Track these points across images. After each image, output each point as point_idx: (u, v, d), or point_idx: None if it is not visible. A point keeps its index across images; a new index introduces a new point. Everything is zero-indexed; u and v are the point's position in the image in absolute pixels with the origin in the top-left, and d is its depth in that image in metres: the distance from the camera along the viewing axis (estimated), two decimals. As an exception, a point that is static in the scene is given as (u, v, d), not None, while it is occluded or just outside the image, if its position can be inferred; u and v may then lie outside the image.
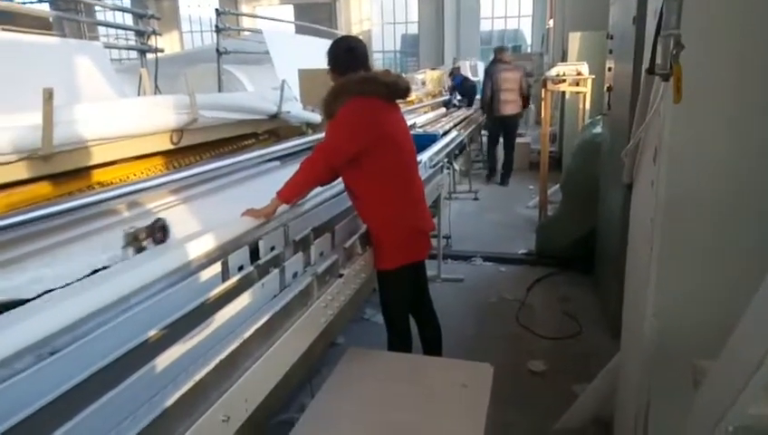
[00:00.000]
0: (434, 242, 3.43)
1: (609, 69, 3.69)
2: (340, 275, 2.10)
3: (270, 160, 3.42)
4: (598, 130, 4.41)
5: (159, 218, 1.92)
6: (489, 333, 3.47)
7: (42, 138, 1.80)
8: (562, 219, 4.65)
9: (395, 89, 2.40)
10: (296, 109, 3.79)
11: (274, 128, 3.84)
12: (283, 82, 3.61)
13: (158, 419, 1.07)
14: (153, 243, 1.87)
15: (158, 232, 1.87)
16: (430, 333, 2.72)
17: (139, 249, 1.84)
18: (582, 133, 4.93)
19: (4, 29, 4.94)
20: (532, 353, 3.20)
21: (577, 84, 5.22)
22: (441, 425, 1.77)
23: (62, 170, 2.08)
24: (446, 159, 4.60)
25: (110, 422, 1.05)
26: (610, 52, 3.70)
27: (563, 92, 6.97)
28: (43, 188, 2.07)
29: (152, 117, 2.42)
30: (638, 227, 2.05)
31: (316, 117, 4.02)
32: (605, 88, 3.83)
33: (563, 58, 7.51)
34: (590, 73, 5.25)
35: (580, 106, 5.63)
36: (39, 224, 1.93)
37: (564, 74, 5.17)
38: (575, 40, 6.81)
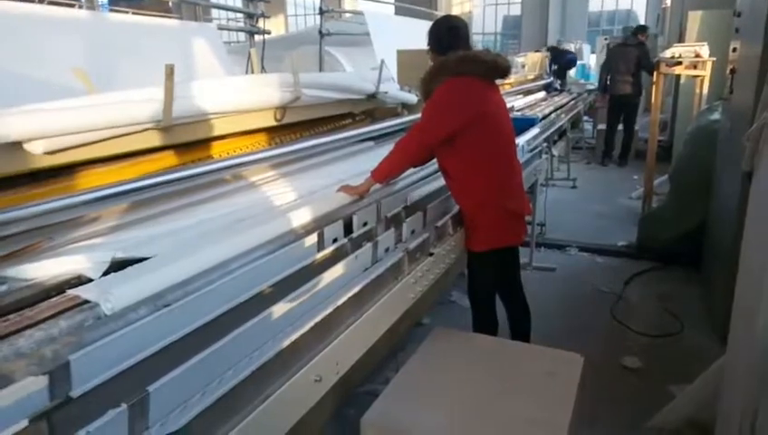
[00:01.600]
0: (528, 229, 3.36)
1: (734, 49, 3.38)
2: (431, 254, 2.12)
3: (365, 140, 3.49)
4: (715, 116, 4.06)
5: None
6: (580, 325, 3.35)
7: (163, 110, 1.96)
8: (669, 211, 4.35)
9: (494, 67, 2.35)
10: (393, 89, 3.82)
11: (370, 108, 3.90)
12: (382, 62, 3.65)
13: (256, 371, 1.15)
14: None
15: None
16: (519, 319, 2.68)
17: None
18: (697, 120, 4.57)
19: (134, 13, 5.40)
20: (627, 349, 3.05)
21: (694, 67, 4.82)
22: (525, 410, 1.75)
23: (179, 142, 2.26)
24: (544, 144, 4.45)
25: (214, 372, 1.15)
26: (737, 31, 3.38)
27: (677, 77, 6.48)
28: (164, 158, 2.26)
29: (259, 94, 2.54)
30: (757, 220, 1.88)
31: (412, 97, 4.03)
32: (727, 71, 3.51)
33: (680, 39, 6.96)
34: (709, 55, 4.83)
35: (697, 91, 5.20)
36: (155, 190, 2.12)
37: (681, 56, 4.79)
38: (695, 19, 6.28)
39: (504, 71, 2.40)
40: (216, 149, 2.59)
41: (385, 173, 2.33)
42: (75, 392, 0.99)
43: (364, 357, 1.62)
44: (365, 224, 2.17)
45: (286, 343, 1.25)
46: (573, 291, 3.85)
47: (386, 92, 3.66)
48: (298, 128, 3.15)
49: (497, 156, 2.38)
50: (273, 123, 2.80)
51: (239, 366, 1.14)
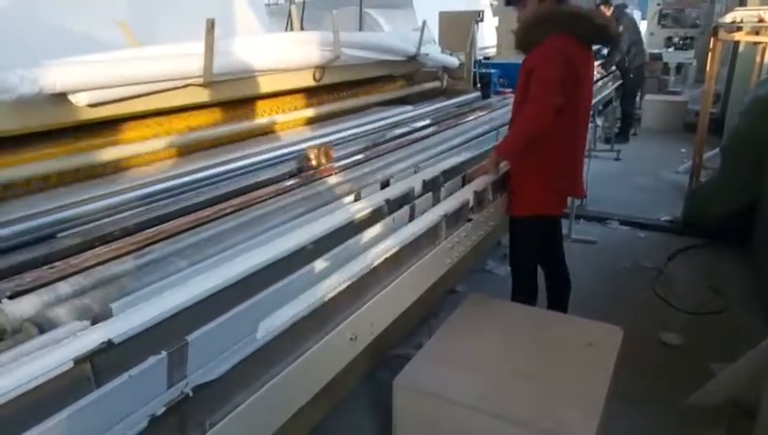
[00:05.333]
0: (567, 200, 3.26)
1: (803, 13, 3.14)
2: (469, 220, 2.08)
3: (403, 103, 3.43)
4: (777, 86, 3.83)
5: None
6: (620, 299, 3.27)
7: (203, 66, 1.95)
8: (719, 186, 4.16)
9: (602, 32, 2.22)
10: (434, 51, 3.72)
11: (410, 72, 3.81)
12: (424, 22, 3.54)
13: (292, 327, 1.15)
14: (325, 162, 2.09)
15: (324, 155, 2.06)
16: (558, 289, 2.63)
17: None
18: (756, 90, 4.31)
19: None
20: (667, 325, 2.97)
21: (757, 33, 4.52)
22: (561, 379, 1.72)
23: (219, 99, 2.25)
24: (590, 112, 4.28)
25: (251, 326, 1.14)
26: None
27: (735, 45, 6.13)
28: (204, 116, 2.27)
29: (299, 52, 2.50)
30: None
31: (454, 61, 3.92)
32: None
33: (741, 2, 6.55)
34: (774, 20, 4.52)
35: (757, 59, 4.90)
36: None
37: (742, 21, 4.50)
38: (759, -19, 5.87)
39: (612, 38, 2.27)
40: (255, 108, 2.58)
41: (509, 149, 2.23)
42: (117, 338, 1.01)
43: (398, 320, 1.62)
44: (402, 187, 2.14)
45: (323, 300, 1.24)
46: (613, 264, 3.75)
47: (427, 54, 3.56)
48: (336, 89, 3.11)
49: (570, 133, 2.28)
50: (312, 83, 2.76)
51: (276, 321, 1.13)
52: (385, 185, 2.09)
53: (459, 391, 1.65)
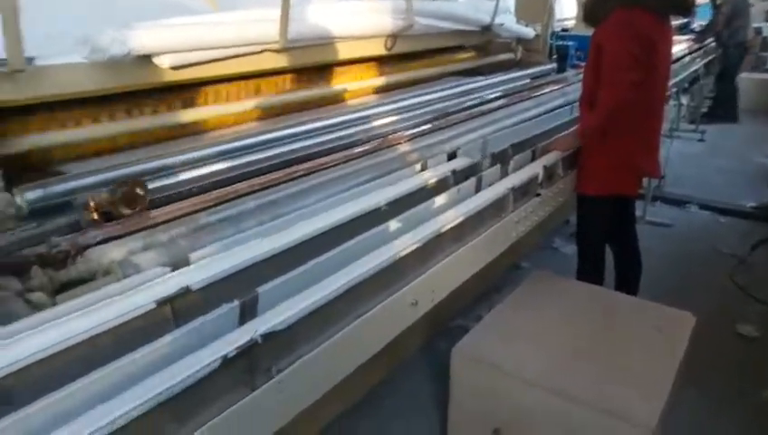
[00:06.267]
0: (644, 181, 3.12)
1: None
2: (538, 195, 2.03)
3: (475, 75, 3.37)
4: None
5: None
6: (693, 285, 3.11)
7: (279, 32, 1.99)
8: (816, 172, 3.84)
9: (677, 3, 2.11)
10: (509, 22, 3.61)
11: (483, 42, 3.72)
12: (500, -8, 3.44)
13: (356, 286, 1.18)
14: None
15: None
16: (628, 271, 2.54)
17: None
18: None
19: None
20: (744, 316, 2.81)
21: None
22: (625, 361, 1.67)
23: (292, 66, 2.29)
24: (673, 90, 4.04)
25: (318, 283, 1.18)
26: None
27: None
28: (277, 82, 2.32)
29: (372, 19, 2.50)
30: None
31: (529, 32, 3.79)
32: None
33: None
34: None
35: None
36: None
37: None
38: None
39: (688, 8, 2.15)
40: (326, 76, 2.61)
41: (590, 129, 2.17)
42: (194, 285, 1.07)
43: (459, 291, 1.62)
44: (469, 158, 2.12)
45: (386, 263, 1.27)
46: (689, 249, 3.57)
47: (501, 25, 3.47)
48: (407, 59, 3.09)
49: (646, 110, 2.18)
50: (383, 52, 2.76)
51: (342, 280, 1.16)
52: (452, 156, 2.08)
53: (518, 364, 1.64)
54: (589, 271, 2.42)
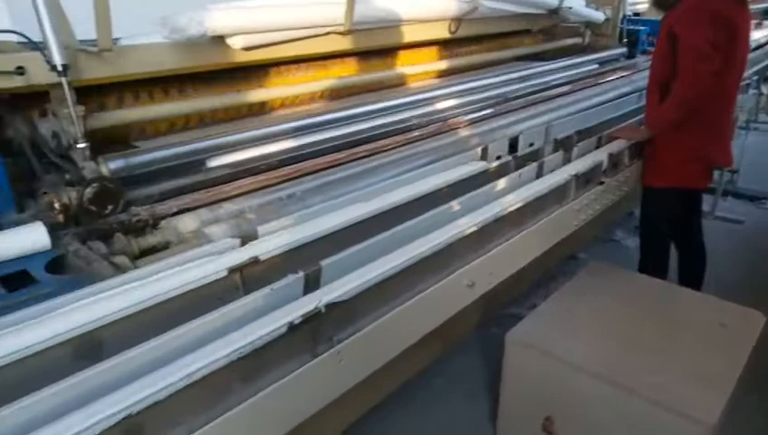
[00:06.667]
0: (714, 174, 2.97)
1: None
2: (601, 183, 1.99)
3: (540, 60, 3.29)
4: None
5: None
6: (763, 285, 2.96)
7: (344, 14, 2.02)
8: None
9: None
10: (578, 4, 3.49)
11: (549, 26, 3.63)
12: (569, -26, 3.33)
13: (415, 265, 1.21)
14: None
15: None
16: (692, 266, 2.44)
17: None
18: None
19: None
20: (820, 321, 2.65)
21: None
22: (686, 356, 1.63)
23: (357, 49, 2.33)
24: (754, 78, 3.81)
25: (378, 259, 1.22)
26: None
27: None
28: (341, 64, 2.36)
29: (437, 3, 2.49)
30: None
31: (599, 15, 3.67)
32: None
33: None
34: None
35: None
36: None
37: None
38: None
39: None
40: (390, 59, 2.63)
41: (664, 121, 2.10)
42: (262, 256, 1.13)
43: (516, 279, 1.62)
44: (531, 145, 2.10)
45: (444, 243, 1.28)
46: (762, 248, 3.39)
47: (570, 8, 3.36)
48: (471, 43, 3.06)
49: (719, 97, 2.08)
50: (447, 36, 2.74)
51: (401, 257, 1.19)
52: (514, 141, 2.06)
53: (573, 352, 1.63)
54: (651, 265, 2.35)
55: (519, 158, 1.91)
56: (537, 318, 1.81)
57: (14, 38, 1.45)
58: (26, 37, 1.38)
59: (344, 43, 2.24)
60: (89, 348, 0.88)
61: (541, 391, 1.68)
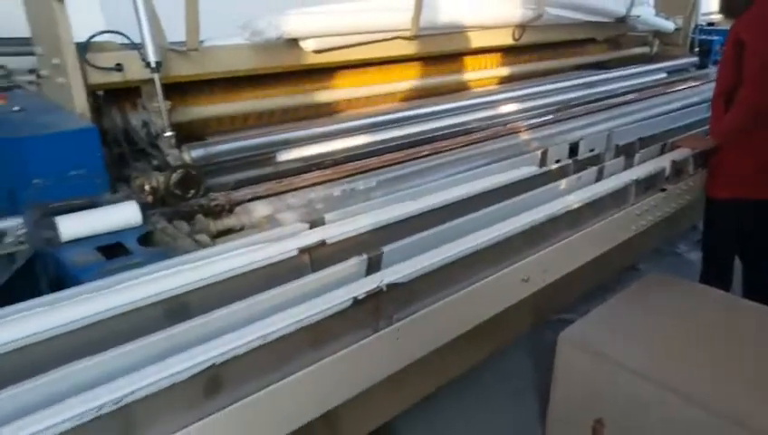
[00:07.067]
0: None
1: None
2: (663, 190, 1.97)
3: (605, 68, 3.27)
4: None
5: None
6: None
7: (411, 19, 2.10)
8: None
9: None
10: (647, 14, 3.44)
11: (616, 35, 3.59)
12: (638, -18, 3.30)
13: (470, 256, 1.26)
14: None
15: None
16: (759, 282, 2.35)
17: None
18: None
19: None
20: None
21: None
22: (749, 366, 1.59)
23: (422, 54, 2.40)
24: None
25: (437, 248, 1.28)
26: None
27: None
28: (406, 68, 2.45)
29: (502, 9, 2.53)
30: None
31: (669, 25, 3.59)
32: None
33: None
34: None
35: None
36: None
37: None
38: None
39: None
40: (452, 64, 2.69)
41: (729, 132, 2.06)
42: (329, 240, 1.22)
43: (571, 282, 1.63)
44: (592, 150, 2.11)
45: (501, 237, 1.33)
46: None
47: (638, 17, 3.32)
48: (534, 50, 3.08)
49: None
50: (511, 42, 2.78)
51: (459, 247, 1.25)
52: (574, 146, 2.08)
53: (628, 355, 1.62)
54: (713, 279, 2.28)
55: (579, 162, 1.93)
56: (593, 320, 1.81)
57: (114, 38, 1.62)
58: (128, 38, 1.53)
59: (409, 48, 2.32)
60: (176, 309, 0.99)
61: (592, 393, 1.68)
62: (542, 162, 1.93)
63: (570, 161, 1.89)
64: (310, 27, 1.87)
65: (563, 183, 1.70)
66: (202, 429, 0.80)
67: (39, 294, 0.98)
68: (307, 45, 1.92)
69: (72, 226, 1.21)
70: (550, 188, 1.65)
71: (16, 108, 1.51)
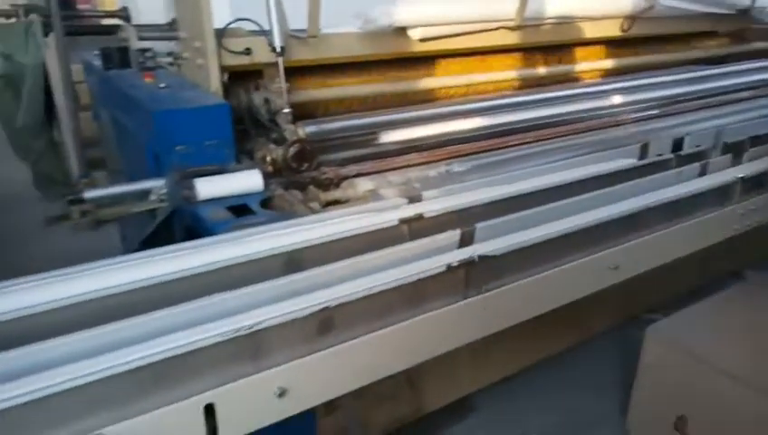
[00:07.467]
0: None
1: None
2: (773, 191, 1.88)
3: (723, 63, 3.10)
4: None
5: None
6: None
7: (517, 9, 2.14)
8: None
9: None
10: (775, 5, 3.21)
11: (739, 29, 3.38)
12: (768, -30, 3.08)
13: (560, 238, 1.32)
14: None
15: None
16: None
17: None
18: None
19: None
20: None
21: None
22: None
23: (524, 44, 2.43)
24: None
25: (532, 223, 1.34)
26: None
27: None
28: (508, 59, 2.49)
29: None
30: None
31: (800, 17, 3.32)
32: None
33: None
34: None
35: None
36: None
37: None
38: None
39: None
40: (555, 56, 2.69)
41: None
42: (426, 214, 1.33)
43: (668, 281, 1.62)
44: (697, 147, 2.05)
45: (593, 223, 1.37)
46: None
47: (764, 8, 3.11)
48: (644, 43, 2.99)
49: None
50: (618, 34, 2.73)
51: (552, 229, 1.31)
52: (678, 142, 2.03)
53: (719, 354, 1.60)
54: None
55: (682, 157, 1.89)
56: (684, 317, 1.80)
57: (243, 25, 1.81)
58: (258, 25, 1.72)
59: (512, 38, 2.37)
60: (292, 262, 1.14)
61: (677, 389, 1.68)
62: (642, 155, 1.91)
63: (672, 156, 1.86)
64: (419, 16, 1.97)
65: (662, 176, 1.69)
66: (313, 360, 0.95)
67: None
68: (414, 34, 2.03)
69: (207, 187, 1.41)
70: (647, 180, 1.64)
71: (162, 85, 1.74)
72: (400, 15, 1.90)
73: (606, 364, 2.36)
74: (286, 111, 1.72)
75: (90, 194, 1.50)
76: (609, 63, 2.82)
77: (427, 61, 2.31)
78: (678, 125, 2.23)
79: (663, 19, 2.81)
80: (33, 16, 3.38)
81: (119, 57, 1.96)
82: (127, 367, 0.82)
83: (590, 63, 2.75)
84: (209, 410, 0.88)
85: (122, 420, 0.83)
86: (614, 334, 2.45)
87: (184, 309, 0.91)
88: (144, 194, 1.57)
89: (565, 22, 2.45)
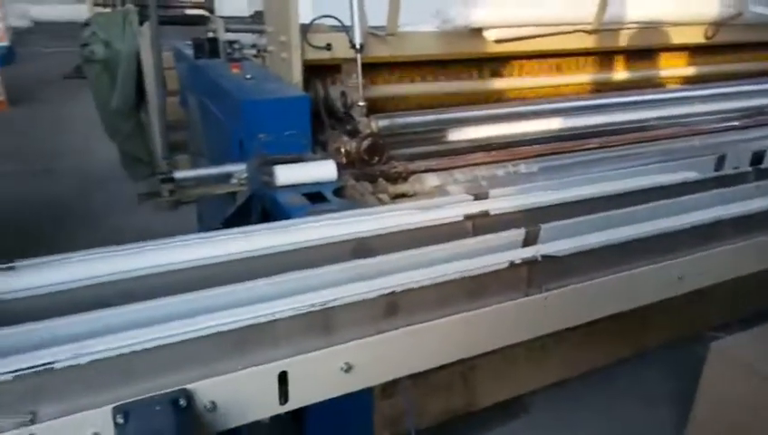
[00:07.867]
0: None
1: None
2: None
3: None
4: None
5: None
6: None
7: (596, 13, 2.12)
8: None
9: None
10: None
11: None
12: None
13: (630, 242, 1.32)
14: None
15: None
16: None
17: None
18: None
19: None
20: None
21: None
22: None
23: (600, 48, 2.40)
24: None
25: (599, 228, 1.36)
26: None
27: None
28: (584, 62, 2.47)
29: (694, 5, 2.42)
30: None
31: None
32: None
33: None
34: None
35: None
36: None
37: None
38: None
39: None
40: (633, 61, 2.64)
41: None
42: (492, 211, 1.37)
43: (730, 300, 1.58)
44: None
45: (659, 232, 1.36)
46: None
47: None
48: (728, 50, 2.87)
49: None
50: (701, 41, 2.64)
51: (616, 235, 1.31)
52: (758, 155, 1.97)
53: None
54: None
55: (762, 171, 1.83)
56: (751, 335, 1.75)
57: (325, 21, 1.90)
58: (339, 21, 1.80)
59: (588, 42, 2.34)
60: (362, 248, 1.22)
61: (740, 408, 1.64)
62: (718, 167, 1.86)
63: (750, 169, 1.81)
64: (496, 17, 2.00)
65: (737, 189, 1.65)
66: (379, 340, 1.02)
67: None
68: (490, 35, 2.06)
69: (285, 174, 1.51)
70: (721, 192, 1.61)
71: (248, 75, 1.86)
72: (477, 16, 1.93)
73: (660, 377, 2.31)
74: (361, 103, 1.80)
75: (179, 174, 1.63)
76: (688, 71, 2.74)
77: (501, 61, 2.33)
78: (760, 138, 2.15)
79: (749, 26, 2.70)
80: (130, 6, 3.63)
81: (209, 47, 2.10)
82: (213, 330, 0.91)
83: (668, 71, 2.68)
84: (282, 378, 0.96)
85: (204, 378, 0.92)
86: (671, 348, 2.40)
87: (264, 283, 1.00)
88: (226, 177, 1.69)
89: (645, 27, 2.40)
